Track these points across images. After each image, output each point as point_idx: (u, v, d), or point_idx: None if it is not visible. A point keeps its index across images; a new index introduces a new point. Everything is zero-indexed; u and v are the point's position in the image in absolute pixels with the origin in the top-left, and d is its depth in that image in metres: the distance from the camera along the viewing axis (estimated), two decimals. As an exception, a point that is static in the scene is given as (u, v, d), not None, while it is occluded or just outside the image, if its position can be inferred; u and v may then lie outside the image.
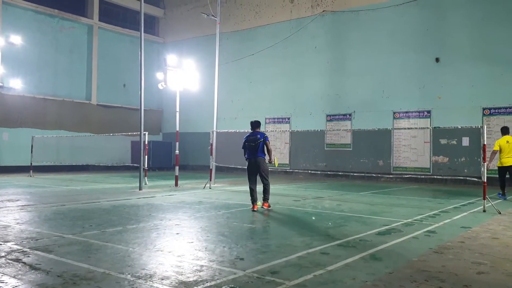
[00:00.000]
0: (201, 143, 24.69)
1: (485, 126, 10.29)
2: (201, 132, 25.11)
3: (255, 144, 9.85)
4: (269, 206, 9.98)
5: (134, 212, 9.22)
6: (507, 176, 12.66)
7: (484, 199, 9.88)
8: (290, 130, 22.41)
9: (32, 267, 4.90)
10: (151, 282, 4.39)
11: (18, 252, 5.53)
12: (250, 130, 10.22)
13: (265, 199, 10.01)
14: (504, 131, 12.80)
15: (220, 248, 5.90)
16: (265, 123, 24.15)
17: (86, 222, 7.83)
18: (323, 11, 22.40)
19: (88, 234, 6.74)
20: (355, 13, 21.30)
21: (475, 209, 10.14)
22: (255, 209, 9.63)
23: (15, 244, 5.98)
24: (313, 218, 8.79)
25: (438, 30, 19.04)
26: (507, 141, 12.42)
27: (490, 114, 17.73)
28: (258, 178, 10.09)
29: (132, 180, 17.72)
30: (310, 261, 5.26)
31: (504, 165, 12.49)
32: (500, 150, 12.48)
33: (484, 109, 17.86)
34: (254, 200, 9.82)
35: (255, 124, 10.21)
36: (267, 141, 9.96)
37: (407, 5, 19.81)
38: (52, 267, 4.90)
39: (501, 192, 12.80)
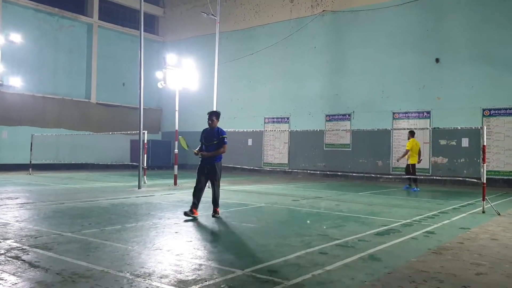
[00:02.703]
0: (200, 142, 24.61)
1: (485, 127, 10.32)
2: (200, 131, 25.04)
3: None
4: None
5: (133, 211, 9.21)
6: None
7: (483, 200, 9.89)
8: (289, 130, 22.41)
9: (31, 264, 4.90)
10: (149, 281, 4.39)
11: (18, 250, 5.53)
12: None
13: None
14: (413, 134, 15.51)
15: (218, 247, 5.90)
16: (265, 122, 24.16)
17: (85, 221, 7.82)
18: (323, 11, 22.41)
19: (87, 232, 6.74)
20: (355, 13, 21.31)
21: (474, 210, 10.15)
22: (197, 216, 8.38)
23: (14, 242, 5.98)
24: (308, 222, 8.79)
25: (438, 31, 19.05)
26: (416, 143, 15.42)
27: (490, 115, 17.74)
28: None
29: (131, 178, 17.71)
30: (309, 261, 5.26)
31: (412, 163, 15.22)
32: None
33: (484, 110, 17.87)
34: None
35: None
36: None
37: (407, 6, 19.82)
38: (51, 265, 4.90)
39: (408, 185, 15.50)
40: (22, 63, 22.80)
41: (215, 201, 8.55)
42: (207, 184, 8.72)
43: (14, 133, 22.42)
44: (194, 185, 8.58)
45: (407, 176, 15.42)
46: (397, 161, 16.84)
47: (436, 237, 6.88)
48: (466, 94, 18.24)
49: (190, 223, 7.80)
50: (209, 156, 8.43)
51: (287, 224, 8.11)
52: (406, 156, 15.47)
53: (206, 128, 8.82)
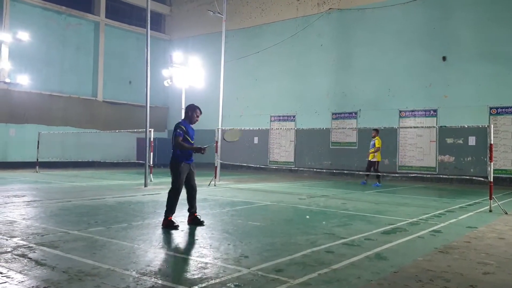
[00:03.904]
0: (206, 140, 24.63)
1: (492, 126, 10.25)
2: (207, 130, 25.07)
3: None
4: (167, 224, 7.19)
5: (139, 209, 9.23)
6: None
7: (490, 199, 9.83)
8: (295, 128, 22.36)
9: (37, 262, 4.92)
10: (155, 279, 4.40)
11: (24, 248, 5.56)
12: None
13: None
14: (378, 132, 16.00)
15: (224, 246, 5.90)
16: (271, 120, 24.13)
17: (91, 219, 7.85)
18: (329, 9, 22.33)
19: (93, 231, 6.76)
20: (361, 11, 21.23)
21: (481, 209, 10.09)
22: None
23: (21, 240, 6.01)
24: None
25: (444, 29, 18.94)
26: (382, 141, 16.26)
27: (497, 114, 17.62)
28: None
29: (137, 176, 17.75)
30: (315, 260, 5.25)
31: (379, 160, 16.10)
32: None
33: (491, 108, 17.76)
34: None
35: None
36: (177, 136, 7.40)
37: (413, 4, 19.71)
38: (57, 263, 4.92)
39: (378, 182, 15.99)
40: (29, 61, 22.91)
41: (194, 203, 7.54)
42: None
43: (21, 131, 22.53)
44: (177, 190, 7.36)
45: (374, 173, 15.97)
46: (375, 160, 16.36)
47: (443, 236, 6.85)
48: (473, 92, 18.13)
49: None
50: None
51: (293, 223, 8.09)
52: (373, 153, 16.04)
53: (187, 122, 7.68)
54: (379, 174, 15.97)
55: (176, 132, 7.39)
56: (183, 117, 7.81)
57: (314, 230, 7.14)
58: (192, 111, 7.64)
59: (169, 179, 7.53)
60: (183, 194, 7.46)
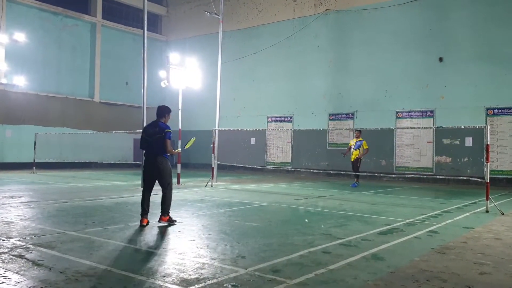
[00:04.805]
0: (203, 141, 24.61)
1: (488, 126, 10.29)
2: (204, 130, 25.08)
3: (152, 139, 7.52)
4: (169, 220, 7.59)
5: (136, 210, 9.19)
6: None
7: (487, 199, 9.86)
8: (292, 129, 22.38)
9: (34, 263, 4.91)
10: (153, 280, 4.40)
11: (21, 248, 5.55)
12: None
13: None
14: (361, 132, 16.27)
15: (221, 246, 5.90)
16: (268, 121, 24.14)
17: (88, 219, 7.84)
18: (326, 10, 22.36)
19: (90, 231, 6.75)
20: (358, 12, 21.26)
21: (478, 210, 10.12)
22: (144, 224, 7.39)
23: (18, 240, 6.00)
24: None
25: (441, 30, 18.99)
26: None
27: (494, 114, 17.68)
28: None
29: (134, 177, 17.74)
30: (312, 260, 5.26)
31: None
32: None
33: (487, 109, 17.81)
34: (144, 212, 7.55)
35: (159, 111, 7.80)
36: (170, 140, 7.49)
37: (410, 5, 19.76)
38: (54, 263, 4.92)
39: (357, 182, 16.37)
40: (26, 62, 22.86)
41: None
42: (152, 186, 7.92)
43: (17, 132, 22.48)
44: (171, 189, 7.80)
45: (357, 173, 16.06)
46: (361, 159, 16.64)
47: (440, 237, 6.87)
48: (470, 93, 18.18)
49: (193, 222, 7.81)
50: None
51: (290, 223, 8.10)
52: (359, 153, 16.07)
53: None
54: (358, 174, 16.23)
55: (170, 137, 7.56)
56: (156, 117, 7.74)
57: (311, 231, 7.15)
58: (168, 114, 7.89)
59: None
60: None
